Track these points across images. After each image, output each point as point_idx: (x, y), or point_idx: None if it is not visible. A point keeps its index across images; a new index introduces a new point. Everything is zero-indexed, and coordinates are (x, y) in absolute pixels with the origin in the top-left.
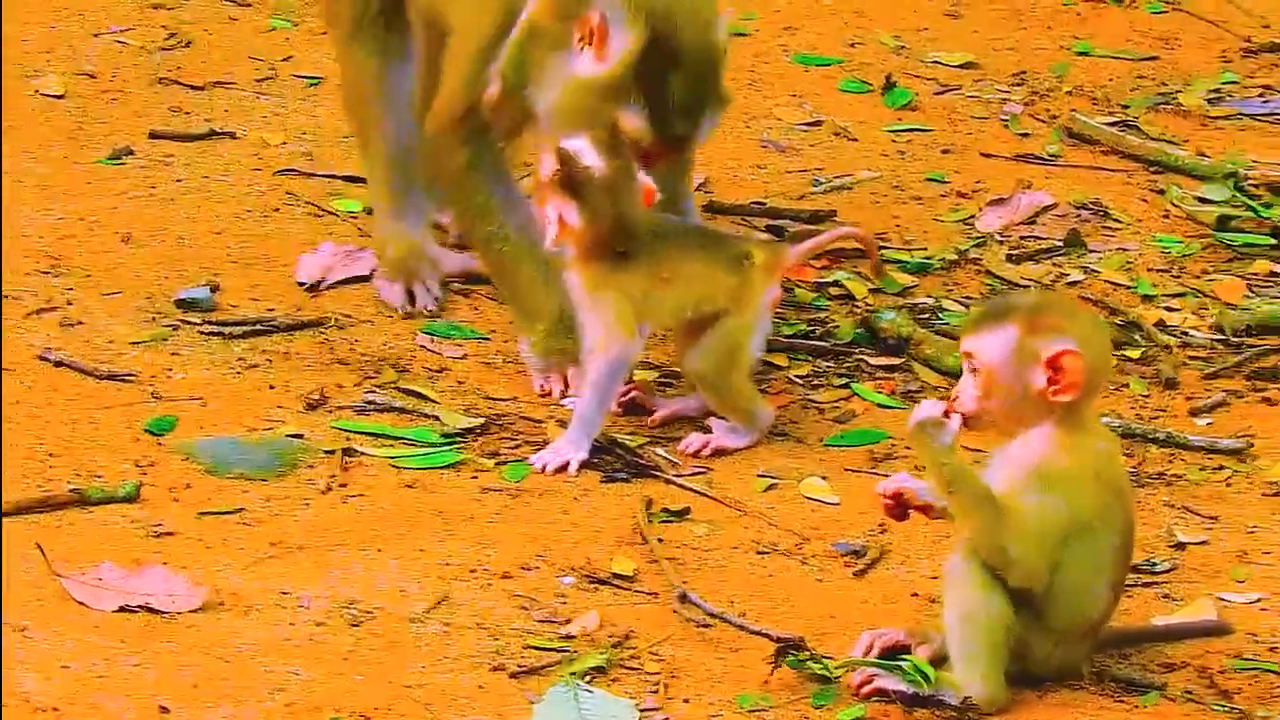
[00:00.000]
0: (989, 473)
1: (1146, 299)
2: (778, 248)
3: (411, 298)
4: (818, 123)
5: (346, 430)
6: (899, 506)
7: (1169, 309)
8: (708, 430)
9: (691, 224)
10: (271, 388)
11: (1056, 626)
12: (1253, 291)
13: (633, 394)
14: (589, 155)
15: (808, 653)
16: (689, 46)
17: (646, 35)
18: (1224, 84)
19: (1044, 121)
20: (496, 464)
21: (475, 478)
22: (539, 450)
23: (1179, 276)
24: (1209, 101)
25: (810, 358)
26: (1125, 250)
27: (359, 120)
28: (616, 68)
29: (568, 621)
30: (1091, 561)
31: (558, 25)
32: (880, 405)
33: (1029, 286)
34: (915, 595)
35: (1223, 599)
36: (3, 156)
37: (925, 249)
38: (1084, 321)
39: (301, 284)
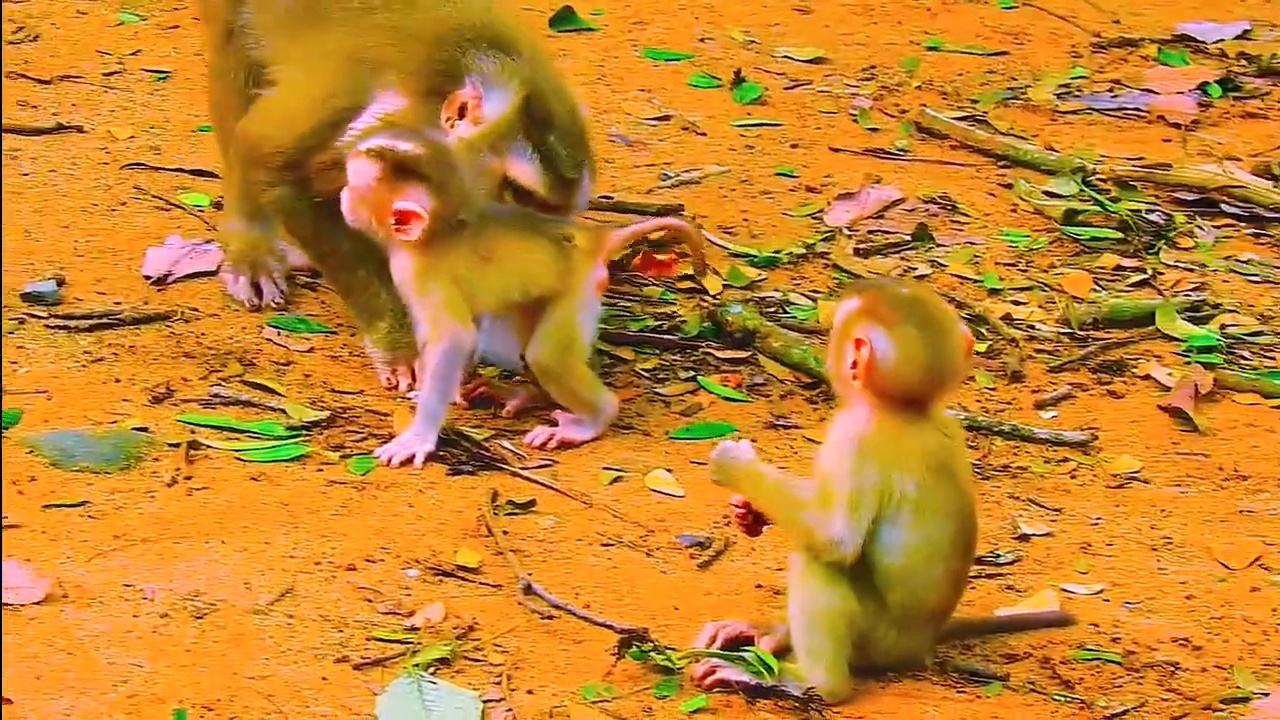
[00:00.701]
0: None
1: (993, 293)
2: (599, 231)
3: (258, 291)
4: (666, 117)
5: (192, 423)
6: (750, 515)
7: (1016, 302)
8: (553, 423)
9: (513, 209)
10: (117, 381)
11: (896, 615)
12: (1099, 285)
13: (481, 389)
14: (400, 141)
15: (651, 644)
16: (559, 109)
17: (522, 94)
18: (1073, 79)
19: (893, 116)
20: (342, 457)
21: (320, 470)
22: (385, 443)
23: (1026, 270)
24: (1058, 96)
25: (657, 351)
26: (973, 244)
27: (219, 119)
28: (500, 121)
29: (412, 613)
30: (927, 548)
31: (423, 107)
32: (726, 398)
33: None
34: (759, 587)
35: (1065, 590)
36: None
37: (774, 243)
38: (915, 320)
39: (148, 277)
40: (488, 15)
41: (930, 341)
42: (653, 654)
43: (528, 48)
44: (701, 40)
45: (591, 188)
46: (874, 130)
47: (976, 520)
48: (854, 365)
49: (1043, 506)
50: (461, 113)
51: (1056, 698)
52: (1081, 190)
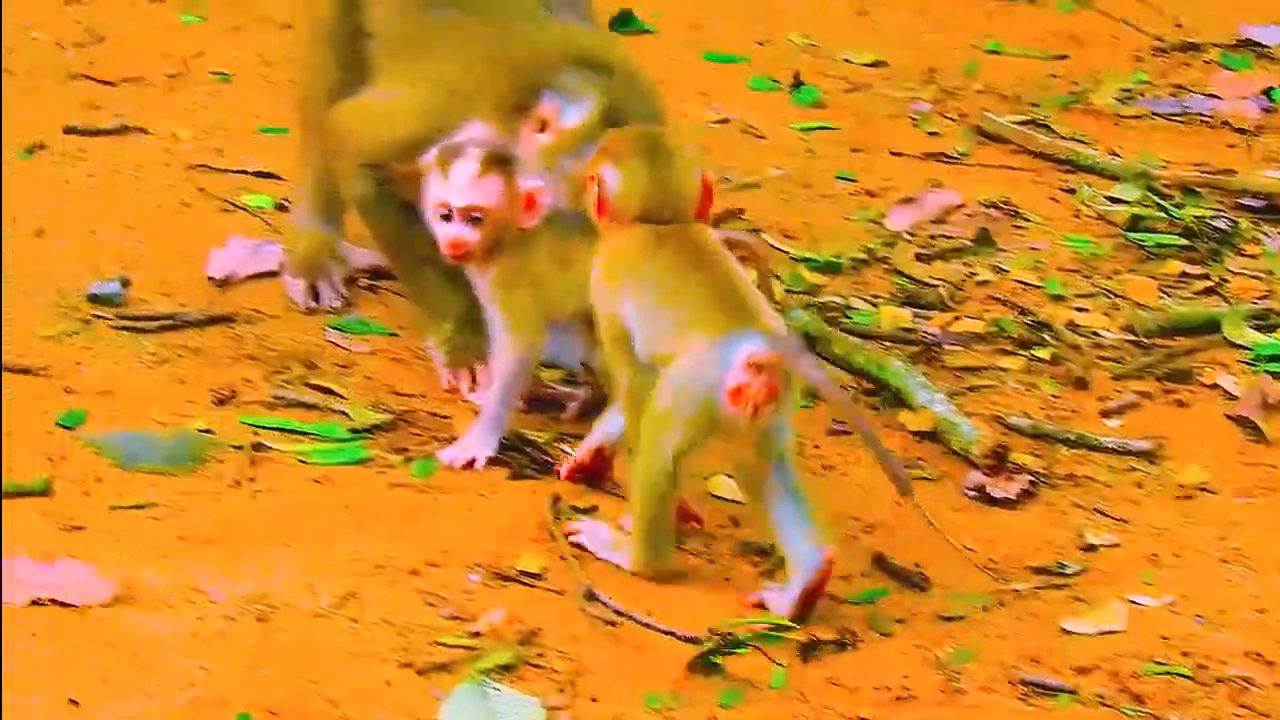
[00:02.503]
0: None
1: (1057, 299)
2: None
3: (316, 294)
4: (726, 120)
5: (255, 425)
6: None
7: (1079, 309)
8: None
9: (575, 213)
10: (182, 382)
11: None
12: (1164, 292)
13: (549, 392)
14: (491, 138)
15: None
16: (639, 110)
17: (603, 104)
18: (1136, 83)
19: (953, 120)
20: (404, 460)
21: (383, 474)
22: (447, 446)
23: (1090, 277)
24: (1120, 101)
25: None
26: (1035, 249)
27: (302, 116)
28: (579, 129)
29: (475, 618)
30: None
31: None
32: None
33: (938, 285)
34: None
35: (1133, 601)
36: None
37: (834, 247)
38: (640, 154)
39: (212, 279)
40: (578, 37)
41: (649, 173)
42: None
43: (619, 64)
44: (760, 43)
45: None
46: (934, 134)
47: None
48: (594, 200)
49: (1109, 516)
50: (542, 127)
51: (1127, 711)
52: (1145, 196)
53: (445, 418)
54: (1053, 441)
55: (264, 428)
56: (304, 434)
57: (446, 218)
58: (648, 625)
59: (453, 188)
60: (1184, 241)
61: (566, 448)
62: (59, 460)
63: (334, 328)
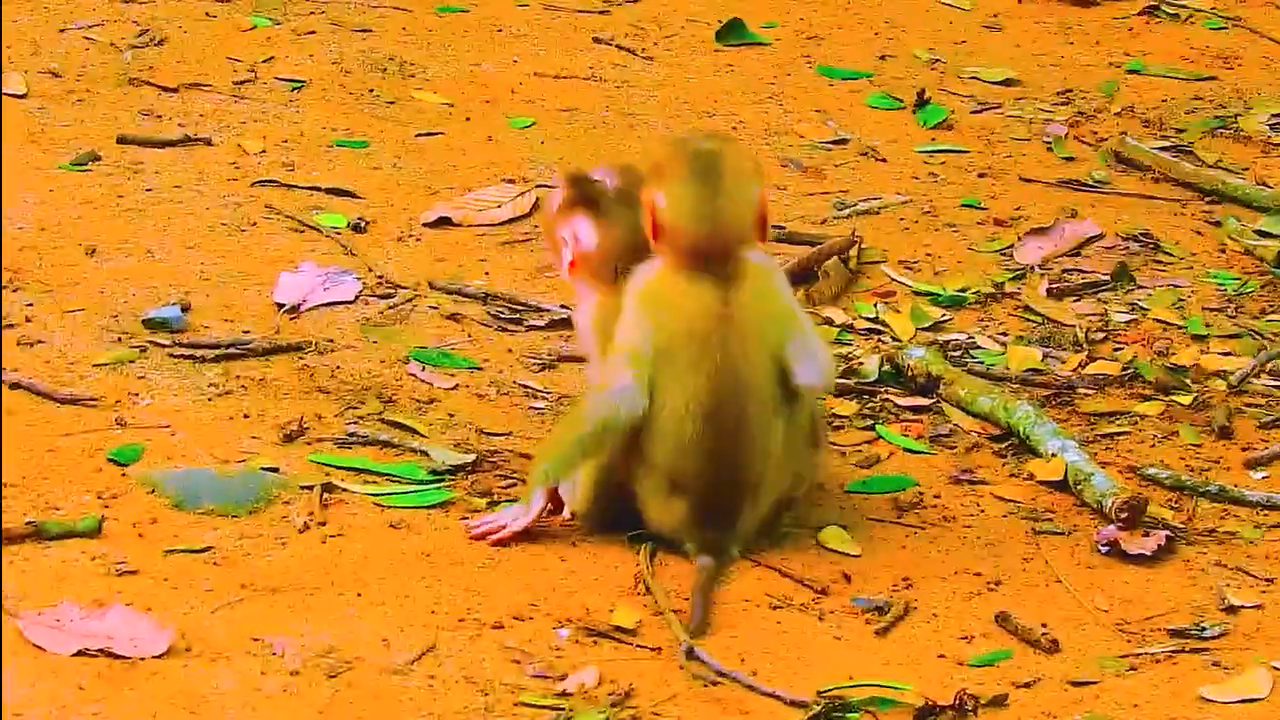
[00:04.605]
0: None
1: (1198, 339)
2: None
3: None
4: (843, 141)
5: (326, 464)
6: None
7: (1224, 352)
8: None
9: None
10: (246, 416)
11: (650, 475)
12: None
13: None
14: (603, 175)
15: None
16: None
17: None
18: None
19: (1090, 145)
20: (489, 504)
21: (465, 519)
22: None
23: (1235, 316)
24: (1271, 127)
25: (833, 396)
26: (1177, 286)
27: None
28: None
29: (564, 677)
30: (671, 408)
31: None
32: (907, 450)
33: (1072, 325)
34: (942, 657)
35: (1278, 668)
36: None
37: (959, 281)
38: (691, 176)
39: (280, 305)
40: None
41: (701, 196)
42: None
43: None
44: (882, 58)
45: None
46: (1069, 160)
47: (744, 397)
48: (651, 227)
49: (1253, 576)
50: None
51: None
52: None
53: (532, 458)
54: (1193, 494)
55: (336, 467)
56: (379, 474)
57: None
58: (751, 687)
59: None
60: None
61: None
62: (110, 499)
63: (415, 359)
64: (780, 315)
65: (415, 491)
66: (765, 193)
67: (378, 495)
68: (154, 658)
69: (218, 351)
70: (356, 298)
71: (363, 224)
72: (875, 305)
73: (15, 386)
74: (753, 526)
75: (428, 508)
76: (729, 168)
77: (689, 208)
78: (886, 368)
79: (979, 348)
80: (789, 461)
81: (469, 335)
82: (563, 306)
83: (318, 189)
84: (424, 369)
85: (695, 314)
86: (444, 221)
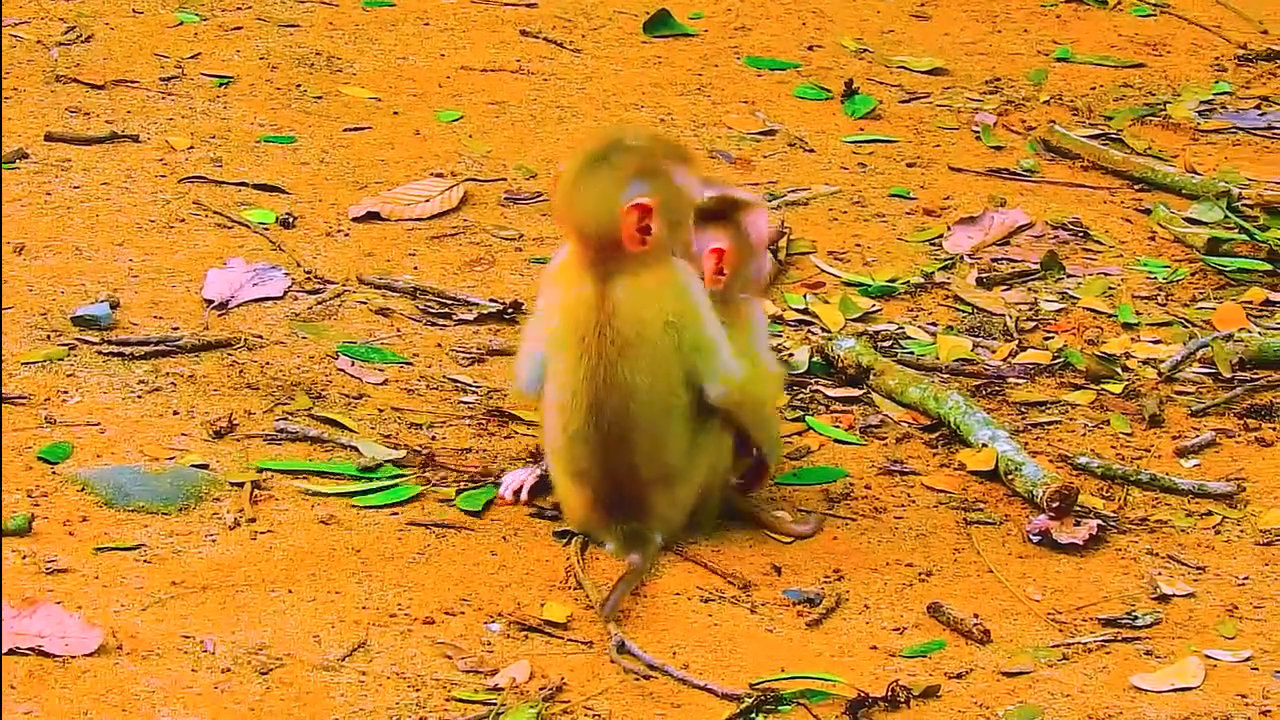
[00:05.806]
0: None
1: (1129, 328)
2: None
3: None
4: (771, 132)
5: (259, 466)
6: None
7: (1154, 340)
8: None
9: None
10: (175, 413)
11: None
12: (1250, 322)
13: None
14: (736, 191)
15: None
16: None
17: None
18: (1216, 94)
19: (1019, 133)
20: (418, 499)
21: (396, 514)
22: (466, 484)
23: (1165, 304)
24: (1200, 113)
25: None
26: (1107, 275)
27: None
28: None
29: (495, 672)
30: (556, 396)
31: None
32: (837, 441)
33: (1001, 314)
34: (874, 648)
35: (1209, 656)
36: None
37: (888, 271)
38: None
39: (209, 301)
40: None
41: (571, 190)
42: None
43: None
44: (810, 48)
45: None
46: (998, 148)
47: (625, 398)
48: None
49: (1184, 564)
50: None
51: None
52: (1226, 217)
53: (465, 451)
54: (1124, 483)
55: (267, 468)
56: (309, 471)
57: None
58: (683, 680)
59: None
60: (1268, 266)
61: None
62: (40, 497)
63: (343, 354)
64: (680, 322)
65: (345, 487)
66: (659, 198)
67: (308, 491)
68: (85, 656)
69: (147, 349)
70: (285, 293)
71: (291, 219)
72: (804, 296)
73: None
74: (676, 518)
75: (358, 504)
76: (610, 166)
77: (560, 199)
78: (816, 359)
79: (909, 338)
80: (704, 457)
81: (398, 330)
82: (492, 300)
83: (246, 185)
84: (353, 364)
85: (576, 307)
86: (372, 216)
